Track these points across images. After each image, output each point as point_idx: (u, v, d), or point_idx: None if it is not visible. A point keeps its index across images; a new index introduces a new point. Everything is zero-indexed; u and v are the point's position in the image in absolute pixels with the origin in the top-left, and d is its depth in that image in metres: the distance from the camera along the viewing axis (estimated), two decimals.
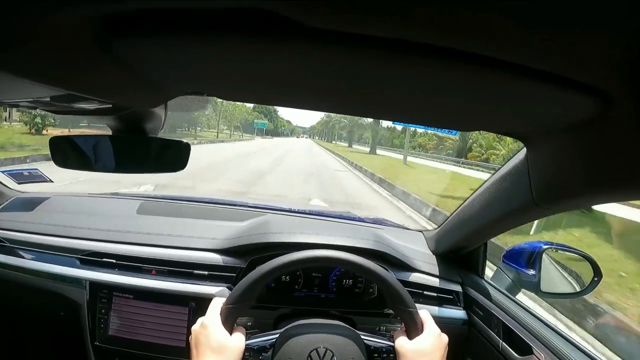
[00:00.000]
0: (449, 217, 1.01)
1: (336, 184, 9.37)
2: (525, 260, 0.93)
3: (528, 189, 0.59)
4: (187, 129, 32.93)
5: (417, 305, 0.73)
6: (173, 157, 0.64)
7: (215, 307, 0.69)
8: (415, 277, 0.99)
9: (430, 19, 0.23)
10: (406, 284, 0.93)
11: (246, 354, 0.66)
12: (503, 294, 0.92)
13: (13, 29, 0.23)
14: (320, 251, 0.73)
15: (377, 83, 0.36)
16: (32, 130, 12.61)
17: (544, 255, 0.92)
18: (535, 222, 4.34)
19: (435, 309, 0.95)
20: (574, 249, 0.94)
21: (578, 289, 0.92)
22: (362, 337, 0.71)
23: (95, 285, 0.94)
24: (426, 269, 1.01)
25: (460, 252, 1.03)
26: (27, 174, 1.25)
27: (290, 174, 10.22)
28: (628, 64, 0.26)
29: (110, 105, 0.47)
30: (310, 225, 1.13)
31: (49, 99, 0.43)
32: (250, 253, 0.96)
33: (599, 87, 0.31)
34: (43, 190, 1.32)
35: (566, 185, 0.51)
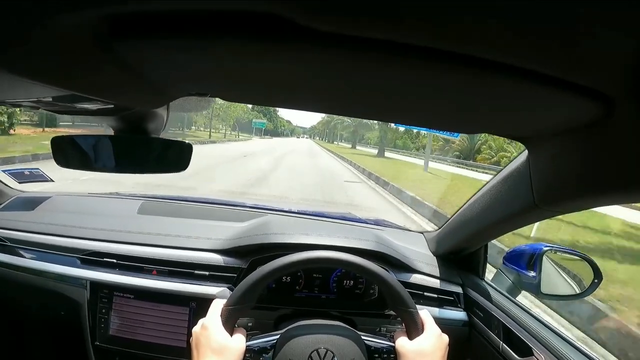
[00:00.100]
0: (449, 219, 1.01)
1: (353, 207, 6.25)
2: (525, 262, 0.93)
3: (529, 190, 0.59)
4: (180, 129, 31.02)
5: (417, 306, 0.73)
6: (175, 157, 0.64)
7: (216, 309, 0.69)
8: (415, 278, 0.99)
9: (429, 22, 0.23)
10: (407, 285, 0.93)
11: (247, 355, 0.66)
12: (503, 295, 0.92)
13: (15, 29, 0.23)
14: (320, 252, 0.73)
15: (377, 85, 0.36)
16: None
17: (544, 257, 0.92)
18: (536, 224, 4.35)
19: (436, 310, 0.96)
20: (574, 251, 0.94)
21: (578, 291, 0.93)
22: (363, 337, 0.71)
23: (95, 285, 0.94)
24: (427, 270, 1.01)
25: (460, 254, 1.03)
26: (28, 173, 1.25)
27: (288, 188, 7.58)
28: (629, 66, 0.26)
29: (113, 106, 0.47)
30: (311, 226, 1.13)
31: (51, 99, 0.43)
32: (251, 253, 0.96)
33: (600, 89, 0.31)
34: (44, 190, 1.32)
35: (567, 187, 0.51)
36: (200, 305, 0.91)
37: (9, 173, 1.24)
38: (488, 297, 0.92)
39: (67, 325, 0.98)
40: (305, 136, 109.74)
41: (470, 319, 0.96)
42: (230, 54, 0.31)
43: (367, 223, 1.33)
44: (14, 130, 11.73)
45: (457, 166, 25.86)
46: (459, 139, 30.27)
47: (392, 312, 0.94)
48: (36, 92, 0.39)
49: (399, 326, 0.78)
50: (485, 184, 0.82)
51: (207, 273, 0.95)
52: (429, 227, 5.48)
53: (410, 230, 1.30)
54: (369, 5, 0.21)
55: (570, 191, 0.51)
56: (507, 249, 1.03)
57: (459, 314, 0.97)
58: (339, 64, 0.30)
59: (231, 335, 0.66)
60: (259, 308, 0.89)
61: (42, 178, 1.27)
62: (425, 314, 0.73)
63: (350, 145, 46.51)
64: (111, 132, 0.63)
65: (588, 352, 0.70)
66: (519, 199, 0.64)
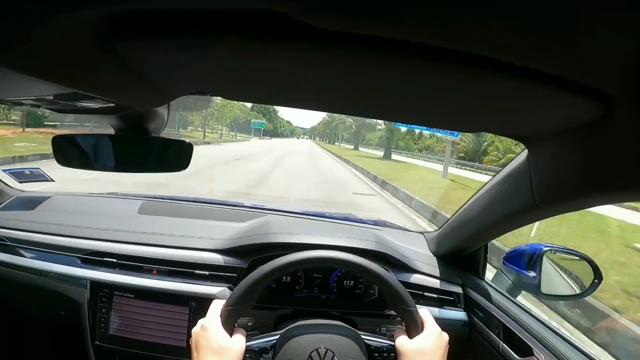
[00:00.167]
0: (450, 219, 1.01)
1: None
2: (525, 262, 0.93)
3: (529, 190, 0.59)
4: (174, 129, 28.83)
5: (417, 305, 0.73)
6: (175, 157, 0.64)
7: (215, 309, 0.69)
8: (416, 278, 0.99)
9: (429, 22, 0.23)
10: (407, 285, 0.94)
11: (247, 355, 0.66)
12: (503, 295, 0.92)
13: (15, 29, 0.23)
14: (320, 252, 0.73)
15: (377, 84, 0.36)
16: None
17: (545, 258, 0.92)
18: (536, 224, 4.35)
19: (436, 310, 0.96)
20: (574, 251, 0.94)
21: (578, 291, 0.93)
22: (363, 336, 0.71)
23: (96, 285, 0.94)
24: (427, 271, 1.01)
25: (461, 254, 1.04)
26: (29, 172, 1.26)
27: (284, 204, 5.83)
28: (629, 66, 0.26)
29: (114, 105, 0.47)
30: (311, 226, 1.13)
31: (52, 97, 0.43)
32: (251, 253, 0.96)
33: (600, 89, 0.31)
34: (44, 190, 1.32)
35: (567, 186, 0.51)
36: (200, 305, 0.91)
37: (10, 172, 1.24)
38: (488, 297, 0.92)
39: (67, 325, 0.98)
40: (306, 137, 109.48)
41: (470, 319, 0.96)
42: (231, 53, 0.31)
43: (367, 223, 1.33)
44: None
45: (463, 168, 24.62)
46: (464, 140, 28.95)
47: (392, 312, 0.94)
48: (37, 91, 0.39)
49: (399, 326, 0.78)
50: (485, 184, 0.82)
51: (207, 273, 0.95)
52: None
53: (411, 231, 1.30)
54: (369, 5, 0.21)
55: (570, 190, 0.51)
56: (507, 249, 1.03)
57: (459, 314, 0.97)
58: (339, 63, 0.31)
59: (231, 335, 0.66)
60: (259, 308, 0.89)
61: (42, 177, 1.27)
62: (425, 312, 0.73)
63: (352, 147, 44.55)
64: (112, 131, 0.63)
65: (588, 352, 0.70)
66: (519, 199, 0.64)
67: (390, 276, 0.74)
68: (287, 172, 10.93)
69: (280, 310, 0.93)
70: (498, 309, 0.87)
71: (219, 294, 0.92)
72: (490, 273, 1.04)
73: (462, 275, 1.03)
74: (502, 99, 0.37)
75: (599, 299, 2.87)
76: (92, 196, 1.36)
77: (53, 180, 1.29)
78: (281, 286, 0.97)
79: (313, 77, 0.36)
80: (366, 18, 0.23)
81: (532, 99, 0.35)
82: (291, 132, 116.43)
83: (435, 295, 0.98)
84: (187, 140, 0.63)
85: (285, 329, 0.71)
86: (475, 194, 0.86)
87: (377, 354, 0.70)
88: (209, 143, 23.35)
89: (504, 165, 0.72)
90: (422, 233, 1.22)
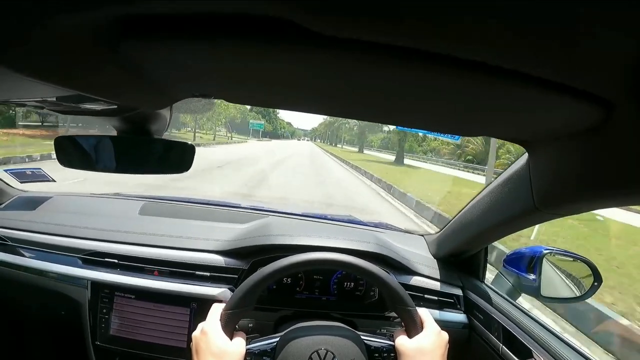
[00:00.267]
0: (450, 221, 1.02)
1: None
2: (525, 264, 0.93)
3: (529, 193, 0.59)
4: (167, 130, 27.96)
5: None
6: (177, 158, 0.64)
7: (215, 313, 0.69)
8: (416, 280, 0.99)
9: (429, 22, 0.23)
10: (407, 287, 0.94)
11: (247, 358, 0.66)
12: (503, 298, 0.92)
13: (17, 28, 0.23)
14: (321, 254, 0.73)
15: (378, 87, 0.36)
16: None
17: (544, 260, 0.92)
18: (536, 227, 4.33)
19: (436, 313, 0.96)
20: (574, 254, 0.94)
21: (578, 294, 0.93)
22: (363, 337, 0.71)
23: (96, 285, 0.94)
24: (427, 273, 1.01)
25: (461, 256, 1.04)
26: (30, 173, 1.26)
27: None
28: (629, 67, 0.26)
29: (116, 106, 0.48)
30: (312, 228, 1.14)
31: (55, 99, 0.43)
32: (252, 255, 0.96)
33: (599, 93, 0.31)
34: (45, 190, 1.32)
35: (567, 189, 0.51)
36: (200, 306, 0.91)
37: (11, 172, 1.25)
38: (488, 299, 0.92)
39: (67, 325, 0.99)
40: (306, 138, 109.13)
41: (470, 321, 0.96)
42: (232, 54, 0.31)
43: (368, 225, 1.33)
44: None
45: (472, 172, 21.82)
46: (472, 142, 26.72)
47: (392, 314, 0.94)
48: (40, 92, 0.39)
49: (399, 327, 0.78)
50: (486, 187, 0.82)
51: (208, 274, 0.95)
52: None
53: (411, 233, 1.30)
54: (369, 6, 0.22)
55: (570, 194, 0.51)
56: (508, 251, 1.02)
57: (459, 316, 0.97)
58: (339, 65, 0.31)
59: (231, 339, 0.66)
60: (260, 309, 0.89)
61: (44, 178, 1.27)
62: (425, 312, 0.73)
63: (356, 149, 41.95)
64: (114, 132, 0.63)
65: (588, 355, 0.70)
66: (520, 202, 0.65)
67: (390, 277, 0.74)
68: (289, 171, 10.17)
69: (280, 312, 0.93)
70: (498, 312, 0.87)
71: (220, 295, 0.92)
72: (490, 274, 1.04)
73: (462, 277, 1.03)
74: (502, 103, 0.37)
75: None
76: (93, 197, 1.36)
77: (54, 181, 1.29)
78: (282, 288, 0.97)
79: (313, 79, 0.36)
80: (366, 19, 0.23)
81: (531, 102, 0.35)
82: (292, 133, 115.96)
83: (436, 298, 0.98)
84: (190, 142, 0.64)
85: (285, 331, 0.71)
86: (476, 196, 0.86)
87: (377, 354, 0.70)
88: (197, 145, 19.92)
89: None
90: (422, 235, 1.22)
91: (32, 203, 1.17)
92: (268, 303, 0.92)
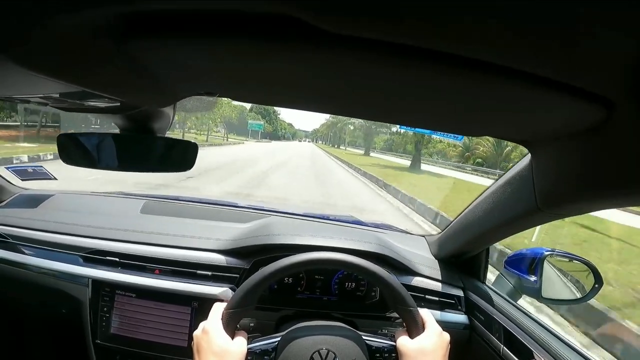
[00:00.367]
0: (452, 222, 1.02)
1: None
2: (526, 266, 0.94)
3: (532, 194, 0.59)
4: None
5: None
6: (180, 157, 0.64)
7: (217, 312, 0.69)
8: (417, 281, 0.99)
9: (429, 22, 0.23)
10: (408, 287, 0.93)
11: (248, 357, 0.66)
12: (504, 299, 0.92)
13: (20, 26, 0.23)
14: (322, 253, 0.73)
15: (379, 86, 0.36)
16: None
17: (545, 262, 0.92)
18: (537, 228, 4.32)
19: (437, 313, 0.96)
20: (575, 256, 0.94)
21: (579, 296, 0.92)
22: (364, 337, 0.71)
23: (97, 283, 0.94)
24: (428, 273, 1.01)
25: (462, 257, 1.04)
26: (32, 170, 1.26)
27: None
28: (629, 67, 0.26)
29: (119, 104, 0.48)
30: (314, 227, 1.14)
31: (58, 96, 0.44)
32: (254, 254, 0.96)
33: (599, 92, 0.31)
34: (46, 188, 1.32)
35: (569, 190, 0.51)
36: (202, 305, 0.91)
37: (12, 170, 1.25)
38: (489, 300, 0.92)
39: (68, 323, 0.99)
40: (307, 140, 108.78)
41: (471, 322, 0.96)
42: (234, 54, 0.31)
43: (370, 226, 1.33)
44: None
45: (482, 175, 19.79)
46: (483, 144, 24.89)
47: (393, 314, 0.94)
48: (45, 88, 0.39)
49: (401, 327, 0.78)
50: (488, 188, 0.82)
51: (209, 273, 0.95)
52: None
53: (412, 234, 1.30)
54: (369, 5, 0.22)
55: (573, 194, 0.51)
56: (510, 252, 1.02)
57: (460, 317, 0.97)
58: (340, 63, 0.31)
59: (232, 338, 0.66)
60: (261, 309, 0.89)
61: (45, 176, 1.27)
62: (426, 313, 0.73)
63: (361, 152, 38.74)
64: (117, 130, 0.63)
65: (589, 356, 0.70)
66: (522, 202, 0.64)
67: (391, 277, 0.74)
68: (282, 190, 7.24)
69: (282, 312, 0.93)
70: (499, 312, 0.87)
71: (221, 295, 0.92)
72: (492, 275, 1.03)
73: (463, 278, 1.03)
74: (502, 102, 0.37)
75: None
76: (94, 195, 1.36)
77: (56, 179, 1.29)
78: (283, 287, 0.97)
79: (314, 78, 0.36)
80: (366, 18, 0.23)
81: (532, 102, 0.35)
82: (292, 134, 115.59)
83: (437, 298, 0.98)
84: (193, 141, 0.64)
85: (286, 331, 0.71)
86: (478, 197, 0.86)
87: (378, 355, 0.70)
88: None
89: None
90: (423, 236, 1.22)
91: (33, 201, 1.17)
92: (269, 303, 0.92)
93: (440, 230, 1.13)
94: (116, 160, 0.60)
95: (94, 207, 1.22)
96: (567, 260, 0.96)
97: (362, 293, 1.00)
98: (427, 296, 0.98)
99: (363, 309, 0.97)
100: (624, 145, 0.38)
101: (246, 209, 1.34)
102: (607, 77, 0.29)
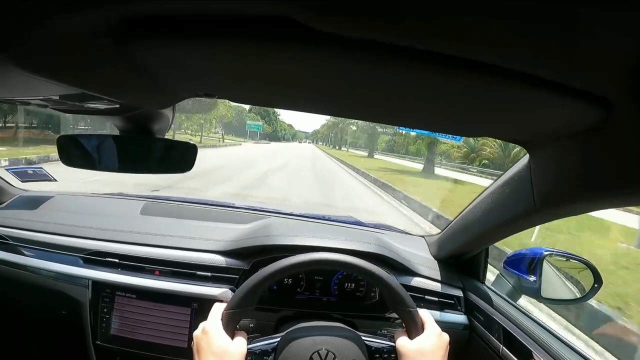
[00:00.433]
0: (451, 223, 1.02)
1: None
2: (526, 266, 0.94)
3: (530, 194, 0.60)
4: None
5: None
6: (179, 158, 0.64)
7: (217, 312, 0.69)
8: (417, 281, 0.99)
9: (429, 22, 0.23)
10: (408, 288, 0.94)
11: (248, 358, 0.66)
12: (504, 299, 0.93)
13: (18, 27, 0.24)
14: (321, 254, 0.74)
15: (378, 87, 0.36)
16: None
17: (545, 262, 0.92)
18: (536, 228, 4.32)
19: (437, 314, 0.96)
20: (575, 256, 0.94)
21: (578, 295, 0.93)
22: (363, 337, 0.71)
23: (97, 285, 0.94)
24: (428, 274, 1.01)
25: (461, 258, 1.04)
26: (32, 172, 1.26)
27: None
28: (629, 67, 0.27)
29: (119, 106, 0.48)
30: (313, 228, 1.14)
31: (58, 98, 0.44)
32: (253, 255, 0.96)
33: (599, 93, 0.31)
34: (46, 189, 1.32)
35: (568, 190, 0.51)
36: (201, 306, 0.91)
37: (13, 172, 1.25)
38: (489, 300, 0.92)
39: (68, 325, 0.99)
40: (308, 141, 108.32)
41: (470, 322, 0.96)
42: (233, 55, 0.32)
43: (369, 226, 1.33)
44: None
45: (488, 177, 17.18)
46: (489, 146, 23.23)
47: (392, 315, 0.94)
48: (45, 90, 0.39)
49: (400, 328, 0.78)
50: (487, 188, 0.82)
51: (209, 274, 0.95)
52: None
53: (412, 234, 1.30)
54: (369, 5, 0.22)
55: (571, 194, 0.51)
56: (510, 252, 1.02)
57: (459, 317, 0.97)
58: (340, 65, 0.31)
59: (232, 338, 0.66)
60: (261, 310, 0.89)
61: (45, 177, 1.27)
62: (425, 313, 0.73)
63: (364, 153, 37.12)
64: (117, 132, 0.63)
65: (589, 356, 0.70)
66: (521, 203, 0.65)
67: (390, 277, 0.74)
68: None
69: (281, 312, 0.93)
70: (498, 313, 0.87)
71: (221, 295, 0.92)
72: (491, 275, 1.04)
73: (462, 278, 1.03)
74: (502, 103, 0.37)
75: None
76: (94, 196, 1.37)
77: (56, 180, 1.29)
78: (283, 288, 0.97)
79: (313, 78, 0.36)
80: (366, 19, 0.23)
81: (532, 103, 0.35)
82: (292, 135, 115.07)
83: (436, 299, 0.98)
84: (192, 142, 0.64)
85: (286, 332, 0.71)
86: (477, 198, 0.86)
87: (377, 355, 0.70)
88: None
89: None
90: (423, 237, 1.22)
91: (33, 202, 1.17)
92: (269, 303, 0.92)
93: (440, 231, 1.13)
94: (116, 162, 0.61)
95: (93, 208, 1.22)
96: (566, 260, 0.97)
97: (361, 294, 1.00)
98: (426, 296, 0.98)
99: (362, 310, 0.97)
100: (624, 145, 0.38)
101: (245, 209, 1.34)
102: (606, 77, 0.29)
